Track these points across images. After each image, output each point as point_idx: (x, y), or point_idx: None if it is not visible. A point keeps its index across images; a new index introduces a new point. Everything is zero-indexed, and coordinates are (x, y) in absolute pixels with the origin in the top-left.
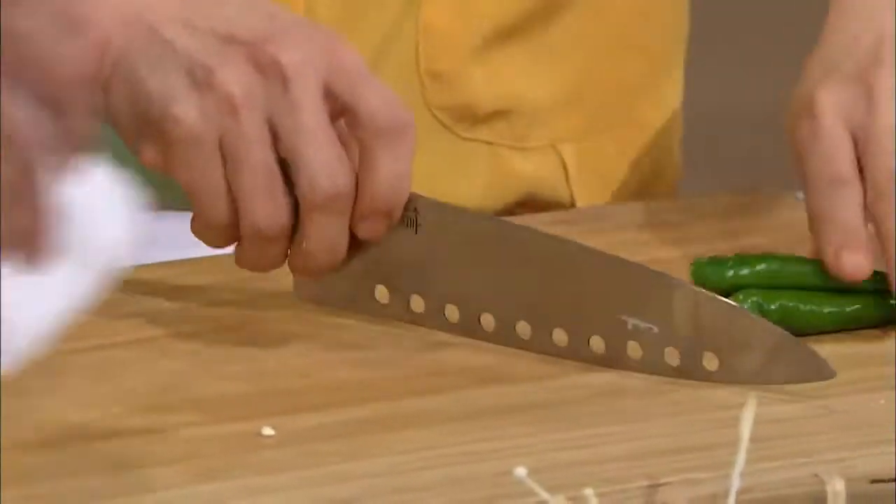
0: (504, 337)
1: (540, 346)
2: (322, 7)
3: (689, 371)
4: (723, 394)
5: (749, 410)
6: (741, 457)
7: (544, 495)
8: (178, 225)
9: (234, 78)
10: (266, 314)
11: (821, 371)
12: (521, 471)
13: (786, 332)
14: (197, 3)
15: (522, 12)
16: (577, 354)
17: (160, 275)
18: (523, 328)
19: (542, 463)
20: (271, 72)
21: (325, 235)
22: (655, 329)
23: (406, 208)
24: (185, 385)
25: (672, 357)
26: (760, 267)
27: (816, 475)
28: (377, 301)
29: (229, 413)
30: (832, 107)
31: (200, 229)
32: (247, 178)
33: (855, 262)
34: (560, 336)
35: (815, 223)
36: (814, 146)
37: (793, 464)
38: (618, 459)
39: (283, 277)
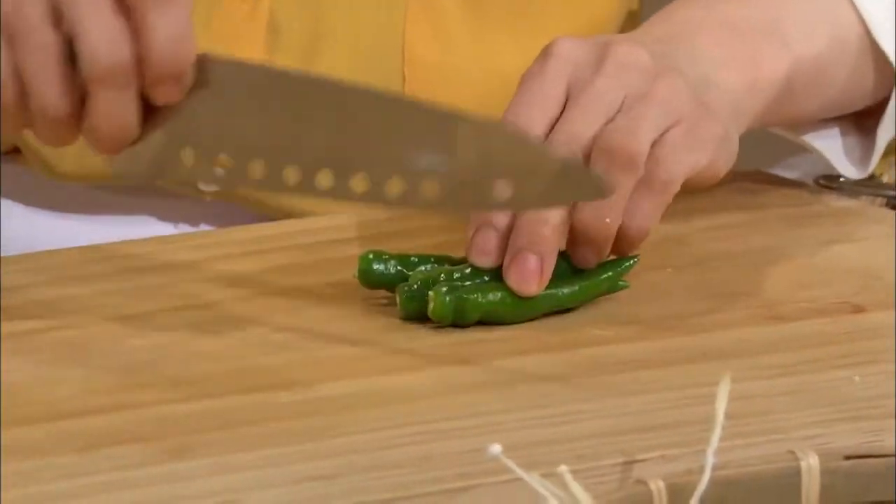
0: (307, 188)
1: (342, 194)
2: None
3: (483, 201)
4: (696, 370)
5: (724, 387)
6: (716, 433)
7: (519, 472)
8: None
9: None
10: (237, 292)
11: (599, 189)
12: (495, 448)
13: (568, 156)
14: None
15: (501, 48)
16: (378, 199)
17: (128, 252)
18: (324, 177)
19: (516, 440)
20: None
21: (112, 110)
22: (446, 166)
23: (199, 70)
24: (156, 363)
25: (466, 190)
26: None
27: (791, 452)
28: (184, 165)
29: (201, 390)
30: (563, 58)
31: None
32: (31, 59)
33: (482, 243)
34: (359, 182)
35: None
36: (525, 86)
37: (767, 440)
38: (591, 436)
39: (249, 258)
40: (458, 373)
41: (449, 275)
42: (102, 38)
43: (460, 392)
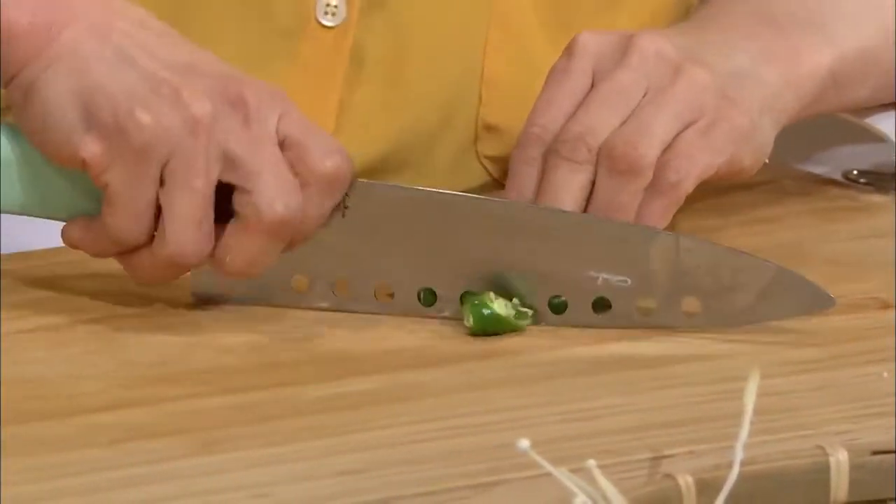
0: (448, 309)
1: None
2: (372, 58)
3: (667, 317)
4: (724, 366)
5: (752, 382)
6: (745, 429)
7: (548, 467)
8: None
9: (202, 99)
10: None
11: (819, 301)
12: (524, 443)
13: (780, 266)
14: (155, 32)
15: None
16: (542, 319)
17: None
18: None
19: (544, 435)
20: (236, 106)
21: (259, 256)
22: (629, 281)
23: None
24: (185, 357)
25: (648, 305)
26: None
27: (819, 447)
28: (293, 290)
29: (230, 385)
30: (588, 51)
31: (95, 237)
32: (184, 202)
33: None
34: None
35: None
36: (551, 83)
37: (796, 436)
38: (620, 432)
39: None
40: (488, 368)
41: None
42: (282, 191)
43: (489, 387)
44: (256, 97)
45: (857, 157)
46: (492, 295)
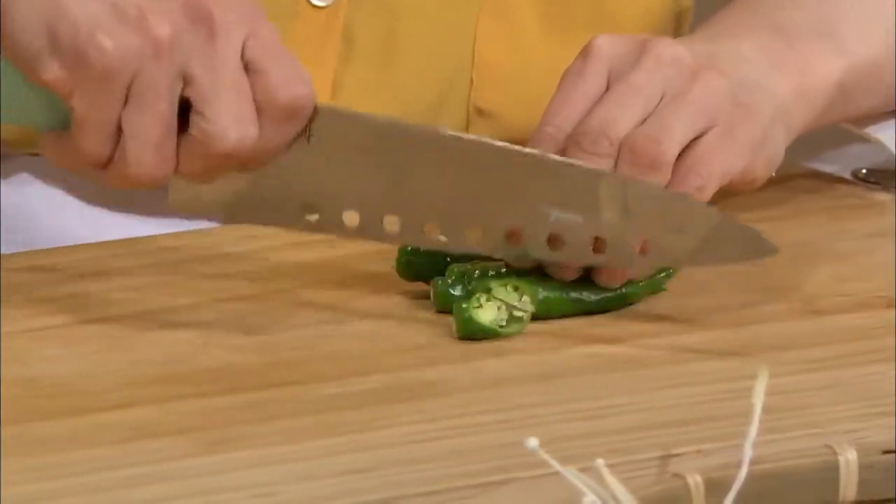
0: (410, 237)
1: (453, 245)
2: (363, 38)
3: (618, 257)
4: (733, 364)
5: (761, 381)
6: (753, 427)
7: (556, 466)
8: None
9: (166, 22)
10: (275, 285)
11: (761, 248)
12: (532, 442)
13: (724, 214)
14: None
15: (574, 53)
16: (492, 250)
17: (168, 245)
18: (432, 229)
19: (552, 434)
20: (201, 24)
21: (214, 171)
22: (580, 219)
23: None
24: (192, 356)
25: (598, 243)
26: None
27: (828, 446)
28: (263, 211)
29: (238, 384)
30: (603, 53)
31: (64, 152)
32: (144, 123)
33: None
34: (473, 234)
35: None
36: (565, 84)
37: (805, 435)
38: (629, 430)
39: (289, 250)
40: (494, 366)
41: (484, 270)
42: (238, 120)
43: (495, 386)
44: (224, 15)
45: (865, 156)
46: (483, 297)
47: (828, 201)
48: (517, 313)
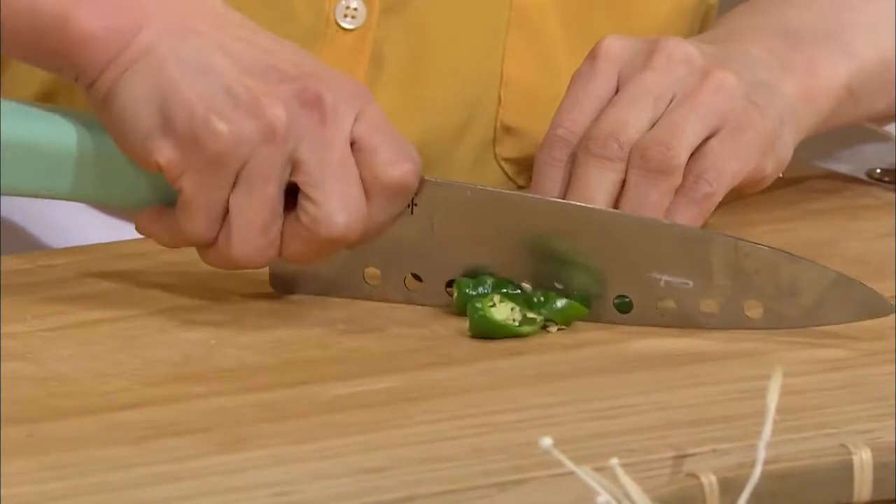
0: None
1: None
2: (391, 60)
3: (730, 320)
4: (748, 364)
5: (775, 381)
6: (768, 427)
7: (570, 466)
8: None
9: (280, 107)
10: None
11: (878, 307)
12: (546, 441)
13: (839, 273)
14: (234, 27)
15: None
16: (606, 317)
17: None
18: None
19: (567, 434)
20: (312, 108)
21: (313, 257)
22: (691, 283)
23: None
24: (206, 356)
25: (710, 308)
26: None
27: (843, 446)
28: (366, 283)
29: (254, 383)
30: (613, 55)
31: (166, 230)
32: (253, 208)
33: None
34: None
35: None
36: (575, 86)
37: (819, 434)
38: (643, 430)
39: None
40: (510, 366)
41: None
42: (346, 204)
43: (512, 385)
44: (334, 96)
45: (880, 156)
46: (497, 297)
47: (842, 201)
48: (531, 314)
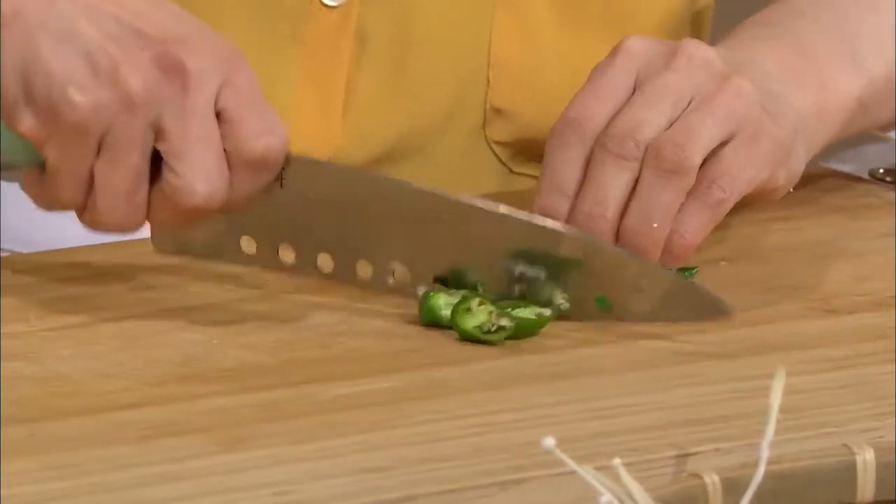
0: (379, 284)
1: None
2: (376, 39)
3: (579, 313)
4: (750, 363)
5: (778, 380)
6: (770, 427)
7: (572, 465)
8: None
9: (138, 75)
10: (289, 285)
11: (718, 310)
12: (549, 441)
13: (679, 276)
14: None
15: (589, 51)
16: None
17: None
18: (401, 273)
19: (569, 433)
20: (174, 74)
21: (179, 223)
22: (542, 275)
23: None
24: (207, 356)
25: (562, 300)
26: None
27: (846, 445)
28: (243, 251)
29: (254, 383)
30: (633, 53)
31: (41, 193)
32: (116, 176)
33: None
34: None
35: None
36: (593, 78)
37: (822, 434)
38: (645, 429)
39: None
40: (511, 365)
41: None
42: (206, 175)
43: (513, 385)
44: (198, 64)
45: (882, 156)
46: (474, 302)
47: (845, 201)
48: (503, 321)
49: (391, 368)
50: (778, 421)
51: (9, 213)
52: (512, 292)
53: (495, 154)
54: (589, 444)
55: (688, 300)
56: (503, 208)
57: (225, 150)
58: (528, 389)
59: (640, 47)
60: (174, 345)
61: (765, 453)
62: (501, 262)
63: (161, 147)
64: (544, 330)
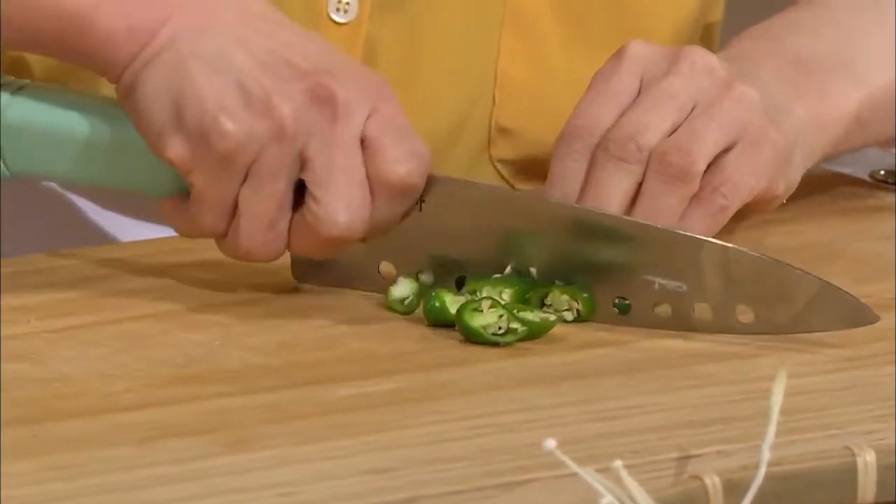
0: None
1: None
2: (385, 56)
3: (723, 325)
4: (752, 365)
5: (780, 382)
6: (771, 429)
7: (574, 467)
8: None
9: (290, 106)
10: (284, 287)
11: (863, 316)
12: (550, 442)
13: (825, 281)
14: (256, 20)
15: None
16: (605, 317)
17: (183, 247)
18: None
19: (571, 434)
20: (324, 105)
21: (319, 253)
22: (684, 287)
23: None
24: (210, 357)
25: (704, 313)
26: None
27: (847, 447)
28: (382, 277)
29: (258, 384)
30: (636, 57)
31: (182, 220)
32: (260, 204)
33: None
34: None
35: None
36: (596, 83)
37: (823, 436)
38: (647, 431)
39: None
40: (514, 367)
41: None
42: (348, 207)
43: (516, 386)
44: (347, 94)
45: (882, 158)
46: (485, 304)
47: (845, 203)
48: (514, 324)
49: (395, 369)
50: (779, 423)
51: (12, 214)
52: (657, 308)
53: (498, 172)
54: (591, 445)
55: (832, 307)
56: (644, 223)
57: (368, 177)
58: (532, 391)
59: (642, 52)
60: (177, 346)
61: (766, 455)
62: (642, 278)
63: (306, 176)
64: (546, 333)
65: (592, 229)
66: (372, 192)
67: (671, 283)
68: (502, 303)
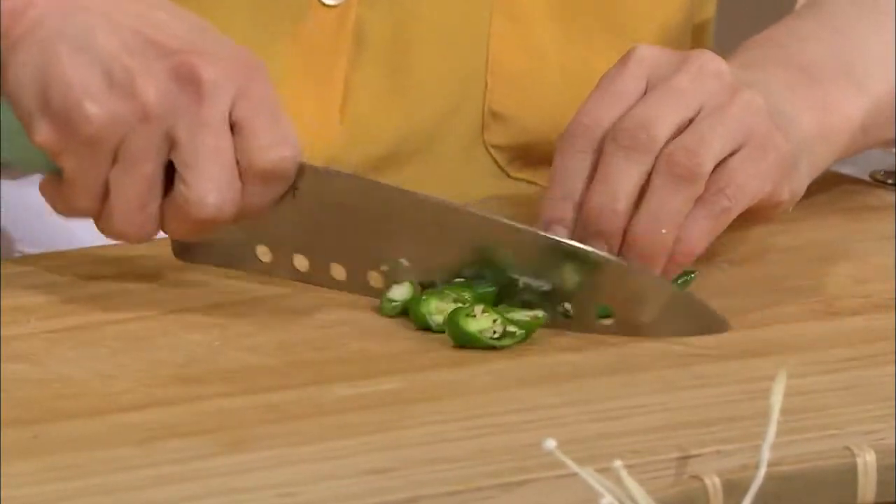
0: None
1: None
2: (374, 39)
3: (584, 325)
4: (752, 365)
5: (780, 382)
6: (771, 429)
7: (573, 467)
8: None
9: (153, 87)
10: (292, 286)
11: (714, 325)
12: (550, 442)
13: (678, 288)
14: (126, 1)
15: (588, 56)
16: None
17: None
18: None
19: (571, 435)
20: (188, 85)
21: (189, 234)
22: (547, 286)
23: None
24: (210, 357)
25: (565, 309)
26: None
27: (847, 447)
28: (259, 260)
29: (257, 384)
30: (644, 60)
31: (59, 200)
32: (130, 186)
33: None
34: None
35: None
36: (603, 83)
37: (823, 436)
38: (647, 431)
39: None
40: (513, 367)
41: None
42: (215, 189)
43: (515, 386)
44: (212, 73)
45: (883, 158)
46: (478, 308)
47: (846, 203)
48: (511, 328)
49: (395, 370)
50: (779, 423)
51: (11, 215)
52: (515, 301)
53: (493, 158)
54: (591, 445)
55: (686, 313)
56: (511, 221)
57: (238, 161)
58: (532, 391)
59: (650, 55)
60: (176, 346)
61: (766, 455)
62: (507, 276)
63: (174, 157)
64: (547, 332)
65: (456, 225)
66: (242, 177)
67: (535, 282)
68: (479, 306)
